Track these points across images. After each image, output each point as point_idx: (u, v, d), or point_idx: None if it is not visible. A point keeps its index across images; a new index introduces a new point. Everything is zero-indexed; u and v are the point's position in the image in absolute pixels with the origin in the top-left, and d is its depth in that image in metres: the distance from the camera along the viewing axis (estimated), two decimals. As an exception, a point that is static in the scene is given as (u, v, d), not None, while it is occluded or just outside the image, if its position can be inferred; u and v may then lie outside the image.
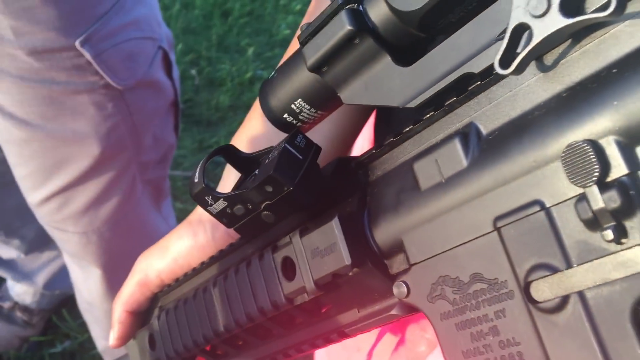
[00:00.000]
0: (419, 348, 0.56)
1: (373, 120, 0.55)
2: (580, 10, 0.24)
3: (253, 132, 0.49)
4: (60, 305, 1.68)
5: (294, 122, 0.37)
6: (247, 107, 2.62)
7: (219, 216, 0.36)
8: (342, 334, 0.36)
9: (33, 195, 1.00)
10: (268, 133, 0.47)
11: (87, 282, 1.16)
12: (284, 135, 0.45)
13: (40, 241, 1.44)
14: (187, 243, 0.48)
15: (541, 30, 0.24)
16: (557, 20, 0.24)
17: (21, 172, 0.98)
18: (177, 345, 0.44)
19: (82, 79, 0.86)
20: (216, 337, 0.41)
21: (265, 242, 0.38)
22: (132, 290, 0.51)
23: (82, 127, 0.91)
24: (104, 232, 1.04)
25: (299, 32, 0.47)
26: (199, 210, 0.50)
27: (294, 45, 0.52)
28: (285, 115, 0.37)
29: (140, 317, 0.53)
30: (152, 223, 1.10)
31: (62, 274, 1.52)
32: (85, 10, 0.83)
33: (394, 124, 0.50)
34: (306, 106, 0.37)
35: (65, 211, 1.01)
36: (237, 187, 0.36)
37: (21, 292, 1.59)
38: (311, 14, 0.51)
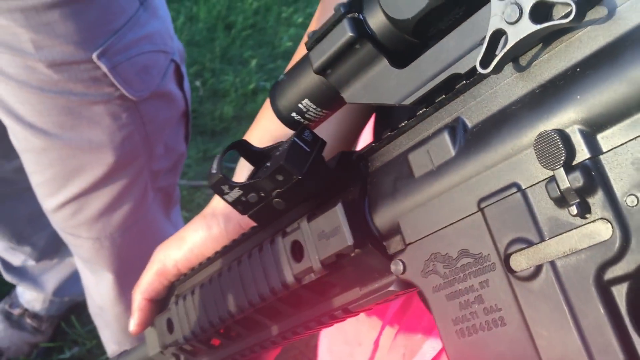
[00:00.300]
0: (416, 335, 0.60)
1: (372, 123, 0.59)
2: (548, 18, 0.28)
3: (263, 130, 0.53)
4: (69, 312, 1.71)
5: (302, 120, 0.42)
6: (251, 118, 2.66)
7: (235, 204, 0.40)
8: (346, 311, 0.40)
9: (49, 202, 1.04)
10: (277, 131, 0.51)
11: (98, 287, 1.20)
12: (291, 133, 0.49)
13: (50, 248, 1.47)
14: (202, 234, 0.52)
15: (515, 35, 0.29)
16: (527, 27, 0.28)
17: (38, 179, 1.02)
18: (194, 327, 0.48)
19: (98, 90, 0.91)
20: (230, 318, 0.44)
21: (275, 229, 0.42)
22: (151, 279, 0.55)
23: (98, 136, 0.95)
24: (116, 238, 1.08)
25: (305, 38, 0.52)
26: (212, 204, 0.54)
27: (300, 53, 0.56)
28: (293, 114, 0.41)
29: (158, 305, 0.57)
30: (162, 229, 1.14)
31: (71, 281, 1.56)
32: (102, 25, 0.88)
33: (393, 124, 0.54)
34: (312, 105, 0.41)
35: (79, 217, 1.04)
36: (250, 177, 0.40)
37: (31, 299, 1.62)
38: (317, 20, 0.55)
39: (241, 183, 0.38)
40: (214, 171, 0.39)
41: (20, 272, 1.53)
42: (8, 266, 1.51)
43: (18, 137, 0.97)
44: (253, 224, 0.51)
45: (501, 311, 0.31)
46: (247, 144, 0.41)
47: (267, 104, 0.55)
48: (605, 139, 0.27)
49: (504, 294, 0.31)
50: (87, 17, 0.86)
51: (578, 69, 0.28)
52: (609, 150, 0.27)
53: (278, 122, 0.52)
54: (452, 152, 0.33)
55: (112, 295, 1.18)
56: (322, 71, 0.38)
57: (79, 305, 1.70)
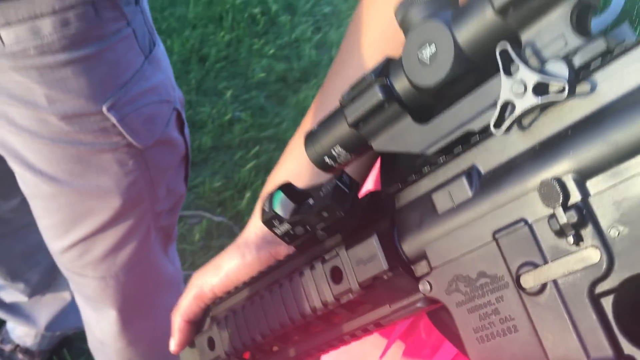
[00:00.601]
0: (423, 353, 0.67)
1: (378, 166, 0.67)
2: (546, 92, 0.37)
3: (288, 171, 0.61)
4: (60, 345, 1.73)
5: (333, 163, 0.49)
6: (229, 147, 2.73)
7: (283, 236, 0.47)
8: (377, 324, 0.47)
9: (56, 244, 1.09)
10: (301, 174, 0.59)
11: (100, 323, 1.23)
12: (314, 173, 0.57)
13: (43, 284, 1.50)
14: (236, 262, 0.59)
15: (520, 105, 0.37)
16: (531, 99, 0.36)
17: (46, 223, 1.07)
18: (236, 343, 0.54)
19: (107, 140, 0.97)
20: (272, 334, 0.51)
21: (311, 256, 0.50)
22: (189, 302, 0.61)
23: (106, 182, 1.01)
24: (120, 277, 1.13)
25: (324, 88, 0.60)
26: (244, 235, 0.61)
27: (319, 102, 0.63)
28: (326, 158, 0.49)
29: (194, 326, 0.63)
30: (162, 266, 1.20)
31: (63, 315, 1.58)
32: (111, 79, 0.94)
33: (397, 168, 0.62)
34: (343, 152, 0.49)
35: (86, 258, 1.09)
36: (294, 213, 0.47)
37: (22, 334, 1.64)
38: (338, 65, 0.63)
39: (292, 219, 0.46)
40: (266, 209, 0.46)
41: (13, 309, 1.55)
42: (0, 303, 1.53)
43: (28, 183, 1.02)
44: (284, 252, 0.58)
45: (514, 320, 0.39)
46: (291, 185, 0.48)
47: (290, 148, 0.63)
48: (592, 185, 0.36)
49: (516, 307, 0.39)
50: (97, 73, 0.92)
51: (569, 131, 0.37)
52: (595, 194, 0.36)
53: (302, 166, 0.60)
54: (470, 194, 0.41)
55: (115, 330, 1.22)
56: (355, 125, 0.46)
57: (69, 338, 1.72)
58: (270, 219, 0.46)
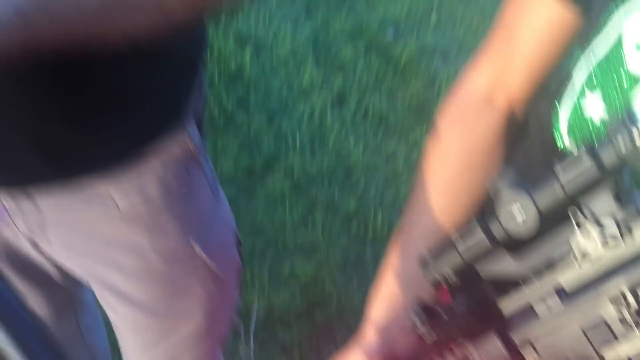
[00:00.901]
0: None
1: None
2: (605, 239, 0.61)
3: (388, 290, 0.83)
4: None
5: (441, 281, 0.72)
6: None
7: (429, 340, 0.69)
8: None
9: (140, 358, 1.24)
10: (399, 291, 0.82)
11: None
12: (413, 289, 0.79)
13: None
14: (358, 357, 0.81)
15: (592, 249, 0.61)
16: (597, 245, 0.61)
17: (131, 341, 1.22)
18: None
19: (194, 268, 1.14)
20: None
21: (439, 348, 0.71)
22: None
23: (192, 305, 1.17)
24: None
25: (404, 228, 0.82)
26: (363, 341, 0.82)
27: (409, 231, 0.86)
28: (438, 279, 0.72)
29: None
30: None
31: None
32: (195, 217, 1.11)
33: None
34: (452, 274, 0.71)
35: None
36: (435, 326, 0.69)
37: None
38: (413, 212, 0.87)
39: (438, 331, 0.67)
40: (416, 324, 0.68)
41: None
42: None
43: (119, 311, 1.17)
44: (400, 349, 0.79)
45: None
46: (428, 305, 0.70)
47: (386, 271, 0.85)
48: None
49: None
50: (186, 216, 1.10)
51: (622, 262, 0.61)
52: None
53: (402, 285, 0.82)
54: (562, 305, 0.64)
55: None
56: (468, 261, 0.69)
57: None
58: (419, 331, 0.68)
